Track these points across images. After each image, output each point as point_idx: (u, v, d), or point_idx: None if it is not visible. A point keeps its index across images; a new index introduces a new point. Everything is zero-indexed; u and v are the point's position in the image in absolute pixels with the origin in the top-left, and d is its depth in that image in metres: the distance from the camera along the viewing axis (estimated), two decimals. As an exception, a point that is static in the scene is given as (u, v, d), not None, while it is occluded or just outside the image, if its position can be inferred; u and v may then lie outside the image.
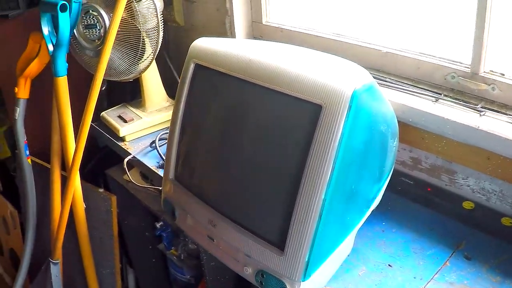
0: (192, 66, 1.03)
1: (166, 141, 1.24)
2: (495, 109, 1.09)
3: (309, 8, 1.47)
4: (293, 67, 0.85)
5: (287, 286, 0.87)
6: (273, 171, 0.88)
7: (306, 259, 0.84)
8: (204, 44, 1.03)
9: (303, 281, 0.86)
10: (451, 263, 1.05)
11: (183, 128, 1.06)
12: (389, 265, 1.06)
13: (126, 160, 1.46)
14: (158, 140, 1.48)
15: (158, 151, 1.44)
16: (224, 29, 1.61)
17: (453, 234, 1.13)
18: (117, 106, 1.72)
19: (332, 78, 0.81)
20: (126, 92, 1.86)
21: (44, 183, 1.74)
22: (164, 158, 1.34)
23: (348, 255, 1.07)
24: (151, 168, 1.42)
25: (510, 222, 1.11)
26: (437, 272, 1.03)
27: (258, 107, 0.91)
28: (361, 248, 1.10)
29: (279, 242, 0.86)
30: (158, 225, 1.69)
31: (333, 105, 0.79)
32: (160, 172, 1.39)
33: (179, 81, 1.09)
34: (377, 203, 1.07)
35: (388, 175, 1.07)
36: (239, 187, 0.94)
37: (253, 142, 0.92)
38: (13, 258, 2.32)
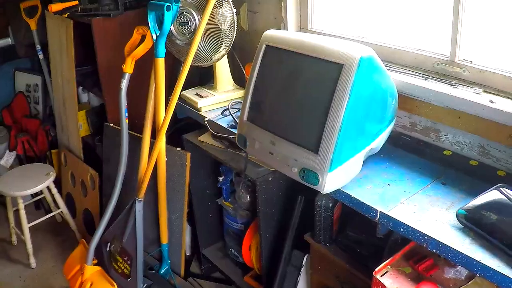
0: (264, 46, 1.77)
1: (232, 110, 2.01)
2: (465, 85, 1.78)
3: (342, 18, 2.21)
4: (326, 44, 1.58)
5: (319, 175, 1.57)
6: (314, 104, 1.59)
7: (331, 158, 1.54)
8: (271, 33, 1.78)
9: (329, 172, 1.55)
10: (431, 186, 1.71)
11: (255, 87, 1.79)
12: (388, 184, 1.73)
13: (206, 119, 2.20)
14: (231, 108, 2.22)
15: (230, 113, 2.17)
16: (280, 32, 2.36)
17: (435, 171, 1.78)
18: (193, 88, 2.48)
19: (350, 50, 1.53)
20: (196, 78, 2.62)
21: (130, 148, 2.45)
22: (235, 118, 2.08)
23: (360, 178, 1.75)
24: (224, 126, 2.15)
25: (476, 163, 1.78)
26: (420, 190, 1.69)
27: (306, 68, 1.63)
28: (370, 174, 1.78)
29: (315, 148, 1.56)
30: (220, 178, 2.42)
31: (349, 64, 1.50)
32: (231, 129, 2.12)
33: (254, 58, 1.82)
34: (380, 144, 1.76)
35: (388, 124, 1.77)
36: (291, 118, 1.67)
37: (303, 88, 1.64)
38: (86, 218, 3.06)
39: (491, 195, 1.48)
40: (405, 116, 1.97)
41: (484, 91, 1.72)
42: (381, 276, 1.48)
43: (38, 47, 3.22)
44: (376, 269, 1.50)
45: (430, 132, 1.91)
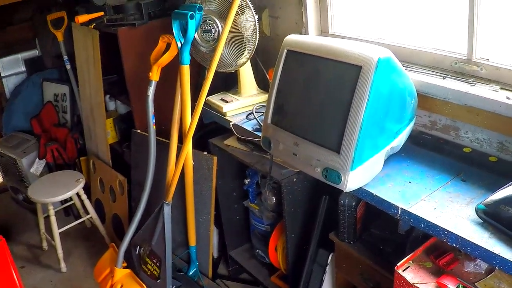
0: (285, 51, 1.89)
1: (256, 113, 2.14)
2: (482, 82, 1.86)
3: (360, 21, 2.31)
4: (345, 47, 1.69)
5: (341, 174, 1.67)
6: (334, 105, 1.70)
7: (353, 157, 1.64)
8: (292, 37, 1.90)
9: (351, 170, 1.65)
10: (451, 183, 1.79)
11: (278, 91, 1.90)
12: (409, 182, 1.82)
13: (231, 124, 2.32)
14: (255, 112, 2.34)
15: (255, 116, 2.29)
16: (301, 36, 2.47)
17: (455, 168, 1.86)
18: (218, 93, 2.61)
19: (368, 52, 1.63)
20: (220, 84, 2.74)
21: (157, 153, 2.58)
22: (259, 122, 2.20)
23: (382, 176, 1.84)
24: (249, 129, 2.27)
25: (495, 159, 1.86)
26: (441, 186, 1.77)
27: (326, 70, 1.74)
28: (391, 173, 1.87)
29: (337, 148, 1.67)
30: (246, 181, 2.54)
31: (367, 66, 1.61)
32: (256, 132, 2.23)
33: (275, 63, 1.93)
34: (401, 142, 1.86)
35: (408, 123, 1.86)
36: (313, 119, 1.78)
37: (323, 90, 1.75)
38: (115, 223, 3.20)
39: (510, 189, 1.55)
40: (425, 115, 2.06)
41: (501, 88, 1.80)
42: (403, 271, 1.57)
43: (65, 57, 3.39)
44: (398, 264, 1.59)
45: (450, 130, 2.00)
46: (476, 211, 1.55)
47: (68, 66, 3.42)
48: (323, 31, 2.46)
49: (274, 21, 2.62)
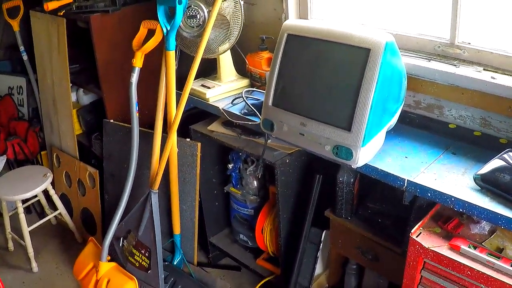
0: (285, 35, 1.94)
1: (241, 99, 2.23)
2: (465, 65, 2.02)
3: (340, 6, 2.40)
4: (351, 31, 1.77)
5: (353, 151, 1.76)
6: (343, 86, 1.78)
7: (364, 133, 1.73)
8: (292, 22, 1.97)
9: (362, 146, 1.74)
10: (443, 156, 1.93)
11: (279, 74, 1.96)
12: (405, 157, 1.93)
13: (221, 108, 2.34)
14: (237, 98, 2.38)
15: (245, 100, 2.31)
16: (279, 24, 2.51)
17: (444, 143, 2.00)
18: (196, 80, 2.60)
19: (375, 36, 1.72)
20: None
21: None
22: (250, 106, 2.24)
23: (379, 153, 1.94)
24: (238, 114, 2.29)
25: (479, 134, 2.02)
26: (435, 160, 1.90)
27: (333, 53, 1.82)
28: (387, 149, 1.97)
29: (348, 126, 1.75)
30: (230, 166, 2.57)
31: (376, 49, 1.70)
32: (247, 117, 2.26)
33: (276, 46, 1.98)
34: (395, 120, 1.97)
35: (402, 102, 1.98)
36: (321, 100, 1.85)
37: (331, 72, 1.83)
38: (84, 218, 3.12)
39: (502, 158, 1.71)
40: (410, 96, 2.19)
41: (484, 69, 1.96)
42: (417, 236, 1.68)
43: (22, 48, 3.23)
44: (412, 231, 1.70)
45: (434, 108, 2.14)
46: (474, 179, 1.69)
47: (25, 57, 3.25)
48: (302, 17, 2.52)
49: (249, 8, 2.66)
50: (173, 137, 2.39)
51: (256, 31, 2.64)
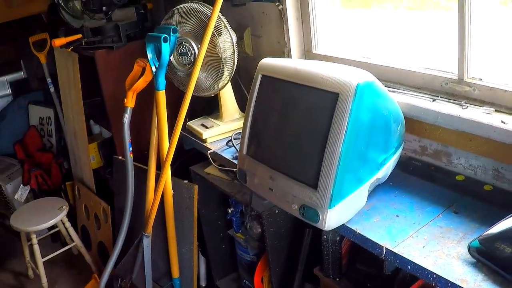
0: (260, 77, 1.71)
1: (236, 141, 1.95)
2: (476, 104, 1.68)
3: (345, 40, 2.13)
4: (322, 72, 1.50)
5: (319, 213, 1.48)
6: (310, 137, 1.51)
7: (331, 194, 1.45)
8: (267, 61, 1.72)
9: (329, 208, 1.47)
10: (443, 216, 1.60)
11: (253, 120, 1.72)
12: (396, 215, 1.63)
13: (209, 152, 2.14)
14: (233, 139, 2.15)
15: (233, 144, 2.10)
16: (283, 57, 2.29)
17: (447, 198, 1.67)
18: (199, 118, 2.43)
19: (345, 77, 1.44)
20: (202, 107, 2.57)
21: (137, 181, 2.42)
22: (238, 150, 2.01)
23: (367, 209, 1.65)
24: (228, 158, 2.09)
25: (490, 188, 1.67)
26: (431, 220, 1.58)
27: (301, 98, 1.56)
28: (377, 205, 1.68)
29: (314, 184, 1.48)
30: (229, 210, 2.36)
31: (345, 93, 1.42)
32: (235, 161, 2.05)
33: (250, 88, 1.76)
34: (387, 173, 1.67)
35: (395, 152, 1.67)
36: (289, 152, 1.59)
37: (299, 120, 1.57)
38: (100, 250, 3.03)
39: (507, 223, 1.37)
40: (415, 140, 1.87)
41: (496, 110, 1.62)
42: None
43: (49, 80, 3.24)
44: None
45: (441, 156, 1.81)
46: (469, 250, 1.37)
47: (52, 89, 3.26)
48: (307, 50, 2.28)
49: (257, 40, 2.45)
50: (165, 176, 2.23)
51: (263, 64, 2.42)
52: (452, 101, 1.72)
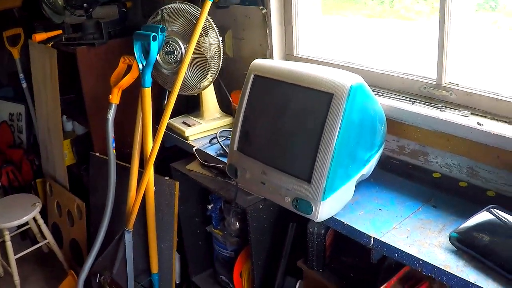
0: (252, 76, 1.76)
1: (221, 138, 2.02)
2: (452, 107, 1.79)
3: (328, 43, 2.22)
4: (315, 73, 1.57)
5: (312, 205, 1.55)
6: (305, 133, 1.58)
7: (324, 187, 1.52)
8: (259, 62, 1.77)
9: (322, 200, 1.53)
10: (422, 209, 1.70)
11: (245, 117, 1.77)
12: (379, 209, 1.71)
13: (194, 149, 2.17)
14: (218, 137, 2.19)
15: (218, 141, 2.14)
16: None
17: (425, 194, 1.77)
18: (179, 116, 2.46)
19: (339, 79, 1.52)
20: (182, 106, 2.59)
21: (117, 177, 2.41)
22: (223, 147, 2.06)
23: (352, 203, 1.73)
24: (212, 155, 2.12)
25: (465, 184, 1.78)
26: (412, 213, 1.68)
27: (296, 97, 1.62)
28: (361, 200, 1.76)
29: (308, 177, 1.55)
30: (209, 206, 2.39)
31: (339, 93, 1.50)
32: (220, 158, 2.09)
33: (242, 87, 1.81)
34: (371, 169, 1.76)
35: (378, 150, 1.76)
36: (283, 147, 1.65)
37: (293, 117, 1.63)
38: (73, 248, 2.99)
39: (482, 216, 1.47)
40: (394, 140, 1.97)
41: (472, 113, 1.73)
42: (380, 302, 1.46)
43: (21, 75, 3.17)
44: (375, 296, 1.48)
45: (418, 155, 1.91)
46: (450, 239, 1.46)
47: (24, 85, 3.19)
48: (288, 53, 2.35)
49: (238, 42, 2.50)
50: (149, 174, 2.24)
51: (244, 66, 2.46)
52: (430, 104, 1.82)
